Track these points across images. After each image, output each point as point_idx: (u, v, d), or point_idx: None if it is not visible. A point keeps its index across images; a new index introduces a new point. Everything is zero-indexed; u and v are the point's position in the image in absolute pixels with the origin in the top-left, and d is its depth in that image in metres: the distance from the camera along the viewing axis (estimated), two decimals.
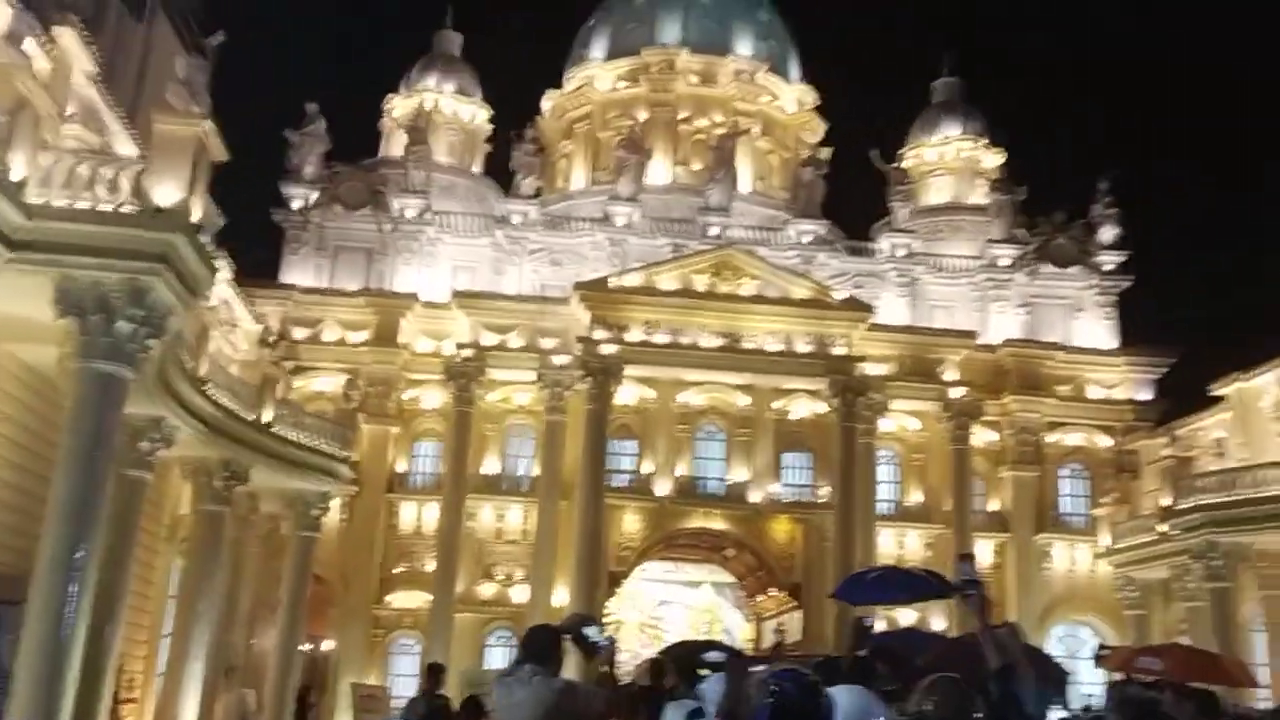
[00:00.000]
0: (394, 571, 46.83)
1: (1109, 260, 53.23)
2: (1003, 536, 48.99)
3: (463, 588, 45.72)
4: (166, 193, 20.06)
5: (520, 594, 45.78)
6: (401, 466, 48.23)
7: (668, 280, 46.95)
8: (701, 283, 46.93)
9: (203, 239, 20.24)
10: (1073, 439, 49.97)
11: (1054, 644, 45.98)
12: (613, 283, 46.34)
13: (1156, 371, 50.45)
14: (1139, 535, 43.45)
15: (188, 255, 20.25)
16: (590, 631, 7.73)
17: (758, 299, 46.54)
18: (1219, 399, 42.71)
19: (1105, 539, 46.30)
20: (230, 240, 51.25)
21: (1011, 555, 48.65)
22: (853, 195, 58.44)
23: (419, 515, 47.43)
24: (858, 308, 47.12)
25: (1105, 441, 49.60)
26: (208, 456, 30.47)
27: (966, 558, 9.31)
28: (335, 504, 45.42)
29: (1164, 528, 39.16)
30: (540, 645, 7.39)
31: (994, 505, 49.77)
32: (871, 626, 20.60)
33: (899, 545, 48.25)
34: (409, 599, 46.32)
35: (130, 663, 30.08)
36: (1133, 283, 53.18)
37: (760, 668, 6.48)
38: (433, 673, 15.22)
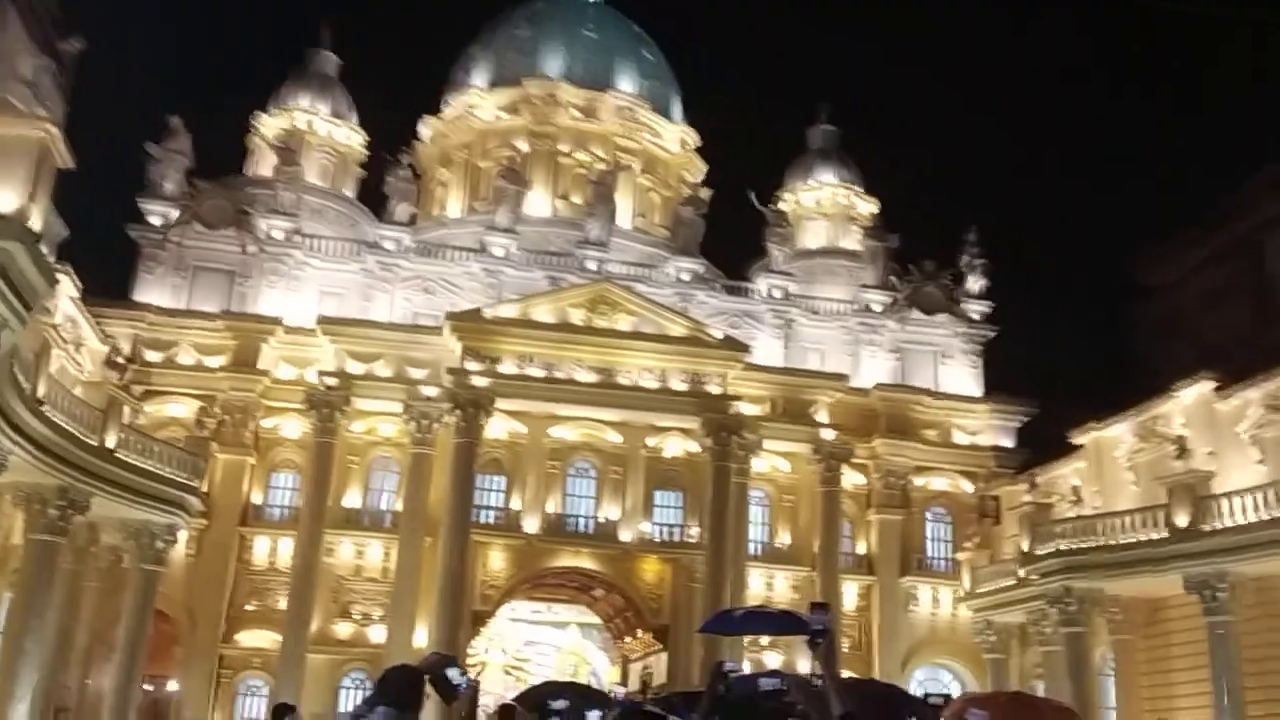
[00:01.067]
0: (245, 609, 44.53)
1: (975, 309, 54.71)
2: (869, 579, 49.42)
3: (318, 626, 43.73)
4: (3, 198, 18.50)
5: (379, 634, 43.98)
6: (257, 498, 46.06)
7: (544, 313, 46.20)
8: (578, 316, 46.33)
9: (42, 249, 18.66)
10: (938, 483, 50.87)
11: (915, 687, 46.37)
12: (487, 314, 45.36)
13: (1019, 419, 51.87)
14: (998, 580, 44.23)
15: (24, 264, 18.72)
16: (451, 673, 7.28)
17: (634, 335, 46.15)
18: (1077, 447, 43.94)
19: (966, 583, 47.06)
20: (82, 256, 48.66)
21: (877, 598, 49.07)
22: (730, 236, 58.90)
23: (274, 550, 45.28)
24: (734, 347, 47.17)
25: (969, 486, 50.63)
26: (42, 483, 28.33)
27: (820, 606, 9.51)
28: (183, 537, 43.21)
29: (1022, 573, 39.87)
30: (398, 686, 6.89)
31: (861, 548, 50.22)
32: (733, 670, 20.17)
33: (767, 586, 48.15)
34: (259, 638, 44.03)
35: None
36: (997, 332, 54.75)
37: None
38: (278, 714, 14.00)
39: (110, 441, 29.76)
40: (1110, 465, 41.60)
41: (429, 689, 7.08)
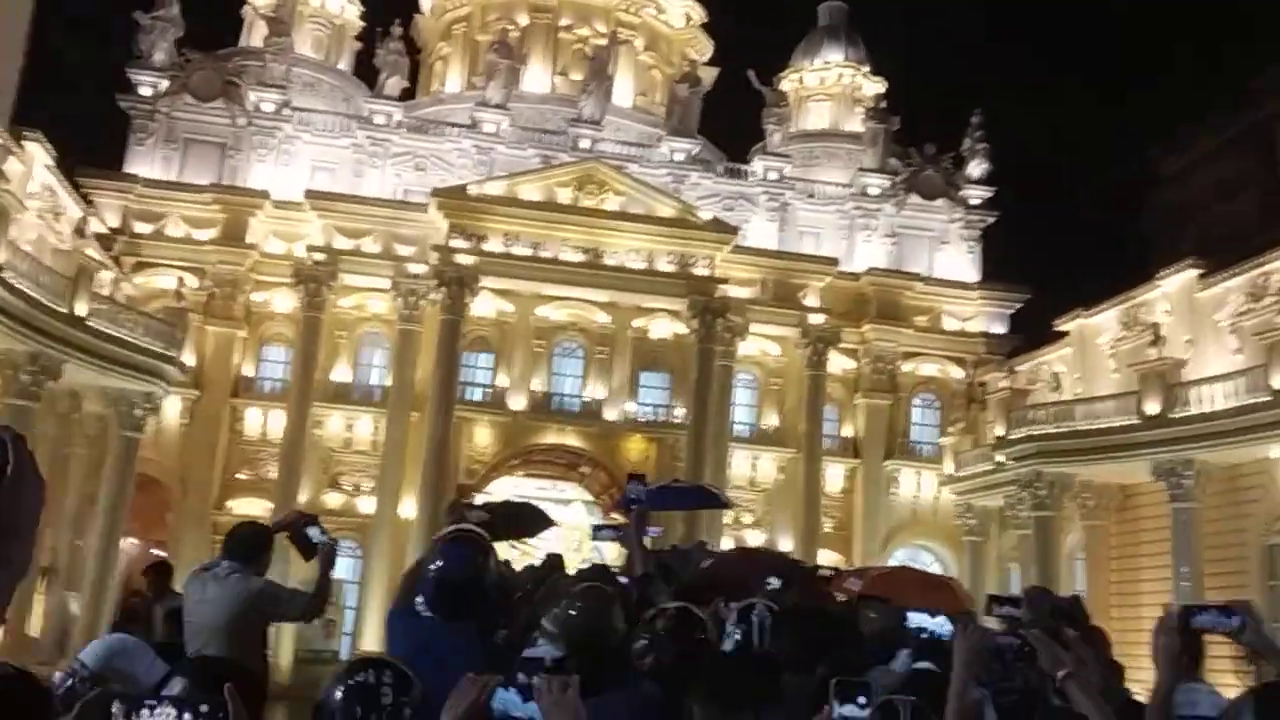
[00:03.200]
0: (236, 477, 45.57)
1: (975, 195, 53.80)
2: (854, 462, 49.82)
3: (309, 497, 44.67)
4: None
5: (368, 505, 45.02)
6: (249, 371, 46.70)
7: (531, 191, 45.88)
8: (566, 195, 45.99)
9: None
10: (927, 369, 50.82)
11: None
12: (473, 191, 45.10)
13: (1011, 306, 51.48)
14: (979, 465, 44.55)
15: None
16: (311, 531, 7.37)
17: (622, 215, 45.82)
18: (1064, 334, 43.70)
19: (949, 467, 47.42)
20: (78, 127, 48.55)
21: (860, 480, 49.54)
22: (738, 117, 57.95)
23: (265, 422, 46.08)
24: (722, 229, 46.78)
25: (958, 373, 50.58)
26: (13, 349, 28.85)
27: (636, 477, 10.02)
28: (175, 407, 44.11)
29: (999, 458, 40.10)
30: (245, 542, 6.99)
31: (847, 431, 50.52)
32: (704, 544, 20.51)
33: (752, 468, 48.72)
34: (250, 506, 44.94)
35: None
36: (997, 218, 53.93)
37: None
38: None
39: (81, 309, 30.11)
40: (1093, 353, 41.40)
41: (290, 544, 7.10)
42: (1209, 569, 32.82)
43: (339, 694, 3.30)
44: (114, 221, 44.45)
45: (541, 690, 3.38)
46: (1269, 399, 30.10)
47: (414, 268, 44.97)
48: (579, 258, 45.40)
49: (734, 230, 46.96)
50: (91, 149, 48.15)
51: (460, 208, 44.86)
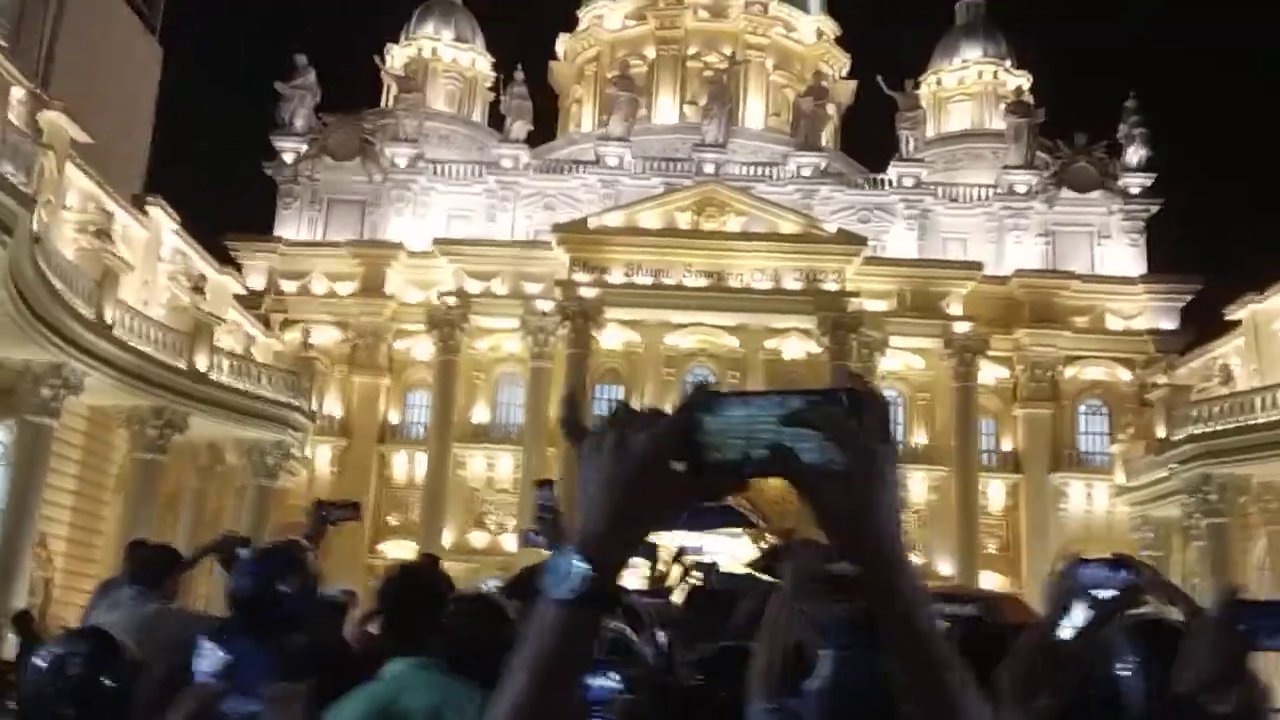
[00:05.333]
0: (386, 521, 46.75)
1: (1135, 183, 50.00)
2: (1016, 477, 46.69)
3: (454, 537, 45.39)
4: None
5: (512, 542, 45.22)
6: (395, 417, 48.01)
7: (650, 219, 45.54)
8: (685, 220, 45.43)
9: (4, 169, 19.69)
10: (1091, 373, 47.24)
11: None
12: (592, 223, 45.14)
13: (1180, 299, 47.33)
14: (1153, 473, 40.77)
15: None
16: (244, 552, 7.15)
17: (743, 235, 44.86)
18: (1236, 324, 39.70)
19: (1121, 477, 43.68)
20: (224, 194, 51.52)
21: (1025, 496, 46.34)
22: (881, 129, 56.09)
23: (410, 465, 47.21)
24: (850, 240, 45.07)
25: (1126, 375, 46.76)
26: (138, 405, 30.38)
27: (545, 483, 9.20)
28: (326, 455, 45.80)
29: (1162, 461, 36.59)
30: (147, 565, 6.77)
31: (1007, 444, 47.44)
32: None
33: (903, 488, 46.30)
34: (401, 549, 46.02)
35: (64, 610, 30.33)
36: (1161, 206, 49.92)
37: None
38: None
39: (201, 364, 31.47)
40: (1270, 341, 37.33)
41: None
42: None
43: (34, 663, 3.24)
44: (260, 282, 46.75)
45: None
46: None
47: (541, 305, 45.29)
48: (702, 282, 44.64)
49: (862, 241, 45.14)
50: (246, 214, 51.24)
51: (581, 241, 44.96)
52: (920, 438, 46.99)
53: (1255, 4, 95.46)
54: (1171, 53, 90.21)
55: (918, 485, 46.56)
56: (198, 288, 33.48)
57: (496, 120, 56.97)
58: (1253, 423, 32.33)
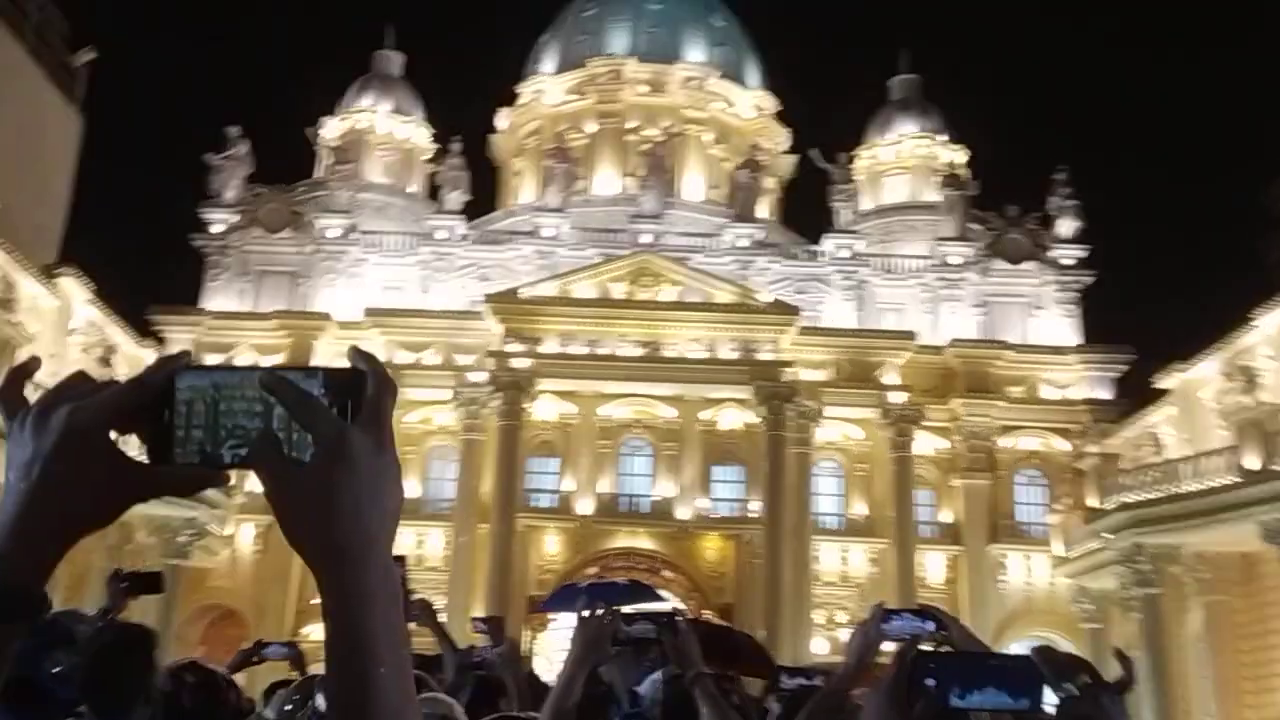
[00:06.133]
0: (312, 603, 45.11)
1: (1067, 254, 50.42)
2: (955, 549, 46.15)
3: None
4: None
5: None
6: None
7: (585, 289, 45.16)
8: (620, 290, 45.09)
9: None
10: (1028, 443, 47.06)
11: None
12: (525, 293, 44.67)
13: (1115, 369, 47.45)
14: (1088, 542, 40.40)
15: None
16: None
17: (677, 304, 44.57)
18: (1166, 393, 39.77)
19: (1059, 548, 43.29)
20: (151, 266, 50.53)
21: (965, 568, 45.77)
22: (820, 202, 56.42)
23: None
24: (784, 310, 44.91)
25: (1063, 445, 46.58)
26: None
27: (398, 559, 8.36)
28: (250, 534, 44.40)
29: (1096, 531, 36.24)
30: None
31: (946, 516, 46.97)
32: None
33: (843, 561, 45.67)
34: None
35: None
36: (1095, 278, 50.34)
37: None
38: None
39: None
40: (1197, 410, 37.37)
41: None
42: None
43: None
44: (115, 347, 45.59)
45: None
46: None
47: (474, 376, 44.52)
48: (637, 352, 44.17)
49: (794, 310, 45.01)
50: (173, 286, 50.23)
51: (514, 311, 44.44)
52: (860, 509, 46.44)
53: (1183, 79, 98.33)
54: (1103, 127, 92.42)
55: (858, 557, 45.91)
56: (105, 359, 32.35)
57: (436, 192, 56.70)
58: (1181, 491, 32.08)
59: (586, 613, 4.07)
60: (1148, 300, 67.21)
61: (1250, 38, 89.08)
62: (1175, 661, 34.15)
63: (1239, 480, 30.15)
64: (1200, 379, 37.33)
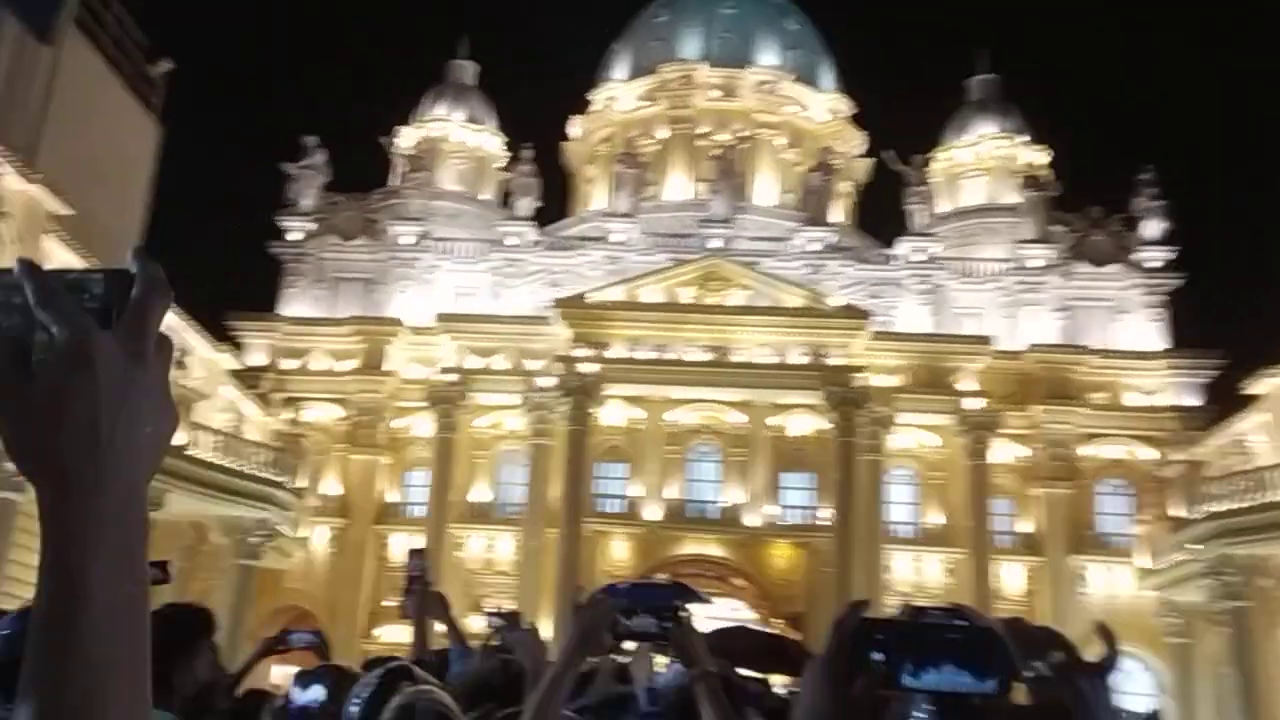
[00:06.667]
0: (384, 605, 45.53)
1: (1153, 257, 48.75)
2: (1035, 560, 44.82)
3: None
4: None
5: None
6: (394, 496, 47.13)
7: (653, 293, 44.92)
8: (688, 295, 44.76)
9: None
10: (1111, 451, 45.52)
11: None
12: (593, 298, 44.58)
13: (1203, 375, 45.68)
14: (1174, 554, 38.87)
15: None
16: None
17: (745, 309, 44.08)
18: (1257, 399, 38.08)
19: (1146, 560, 41.72)
20: (229, 273, 51.55)
21: (1045, 580, 44.40)
22: (899, 205, 55.48)
23: (408, 546, 46.11)
24: (853, 314, 44.13)
25: (1149, 454, 44.96)
26: None
27: (418, 552, 8.49)
28: (324, 536, 45.01)
29: (1182, 542, 34.79)
30: None
31: (1026, 526, 45.62)
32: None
33: (916, 570, 44.63)
34: (399, 633, 44.90)
35: None
36: (1184, 280, 48.57)
37: None
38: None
39: (179, 439, 30.85)
40: None
41: None
42: None
43: None
44: (262, 359, 46.47)
45: None
46: None
47: (542, 381, 44.55)
48: (705, 357, 43.77)
49: (865, 314, 44.19)
50: (250, 293, 51.26)
51: (582, 316, 44.37)
52: (935, 517, 45.37)
53: (1271, 76, 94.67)
54: (1189, 126, 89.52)
55: (933, 567, 44.86)
56: (180, 362, 32.96)
57: (508, 199, 56.98)
58: (1271, 500, 30.61)
59: (583, 602, 3.83)
60: (1236, 304, 64.79)
61: None
62: (1265, 679, 32.58)
63: None
64: None
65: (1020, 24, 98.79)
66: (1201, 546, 33.33)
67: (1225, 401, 44.01)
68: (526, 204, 51.39)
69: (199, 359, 39.37)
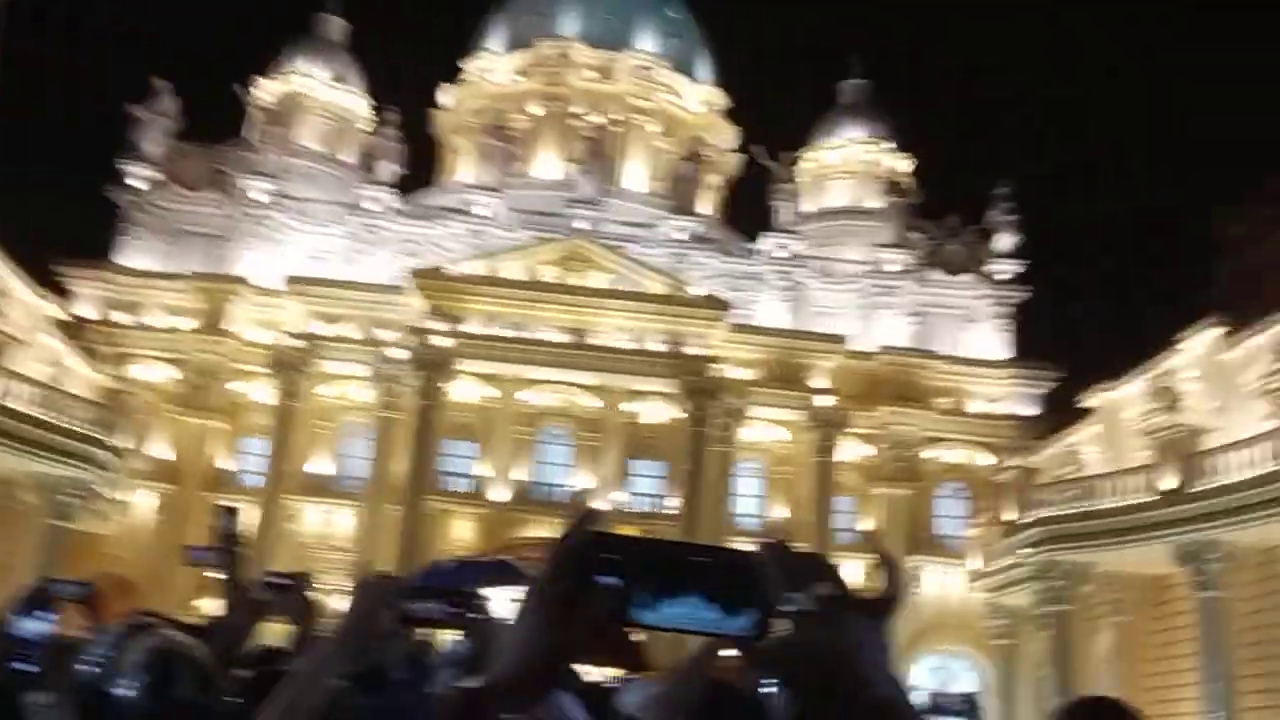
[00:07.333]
0: (208, 576, 43.40)
1: (1003, 269, 50.26)
2: (873, 558, 45.50)
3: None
4: None
5: (342, 605, 42.33)
6: (228, 464, 44.99)
7: (514, 270, 43.99)
8: (550, 274, 43.96)
9: None
10: (952, 456, 46.77)
11: (926, 676, 42.66)
12: (452, 270, 43.40)
13: (1043, 386, 47.35)
14: (1004, 557, 40.06)
15: None
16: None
17: (607, 293, 43.57)
18: (1092, 411, 39.57)
19: (977, 562, 42.94)
20: (58, 217, 48.44)
21: (882, 579, 45.19)
22: (762, 202, 55.74)
23: (244, 516, 44.13)
24: (714, 304, 44.11)
25: (987, 460, 46.34)
26: None
27: (228, 511, 7.52)
28: (151, 501, 42.78)
29: (1010, 546, 35.86)
30: None
31: (867, 524, 46.46)
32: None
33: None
34: (221, 606, 42.95)
35: None
36: (1030, 294, 50.24)
37: None
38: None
39: None
40: (1120, 430, 37.11)
41: None
42: (1243, 669, 28.09)
43: None
44: (92, 312, 43.73)
45: None
46: None
47: (394, 353, 43.12)
48: (563, 338, 43.07)
49: (725, 306, 44.24)
50: (88, 240, 48.07)
51: (439, 288, 43.13)
52: (780, 511, 45.80)
53: (1136, 106, 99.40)
54: (1051, 148, 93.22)
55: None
56: None
57: (370, 164, 55.01)
58: (1097, 508, 31.73)
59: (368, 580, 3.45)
60: (1081, 320, 67.56)
61: (1206, 69, 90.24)
62: (1082, 681, 33.78)
63: (1155, 500, 29.84)
64: (1124, 399, 37.10)
65: (897, 35, 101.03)
66: (1030, 551, 34.35)
67: (1062, 413, 45.74)
68: (389, 170, 49.75)
69: (18, 303, 36.71)
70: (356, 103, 55.69)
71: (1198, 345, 32.97)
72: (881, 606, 2.20)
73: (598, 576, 1.63)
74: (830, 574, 2.18)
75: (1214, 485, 28.16)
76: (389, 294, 44.74)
